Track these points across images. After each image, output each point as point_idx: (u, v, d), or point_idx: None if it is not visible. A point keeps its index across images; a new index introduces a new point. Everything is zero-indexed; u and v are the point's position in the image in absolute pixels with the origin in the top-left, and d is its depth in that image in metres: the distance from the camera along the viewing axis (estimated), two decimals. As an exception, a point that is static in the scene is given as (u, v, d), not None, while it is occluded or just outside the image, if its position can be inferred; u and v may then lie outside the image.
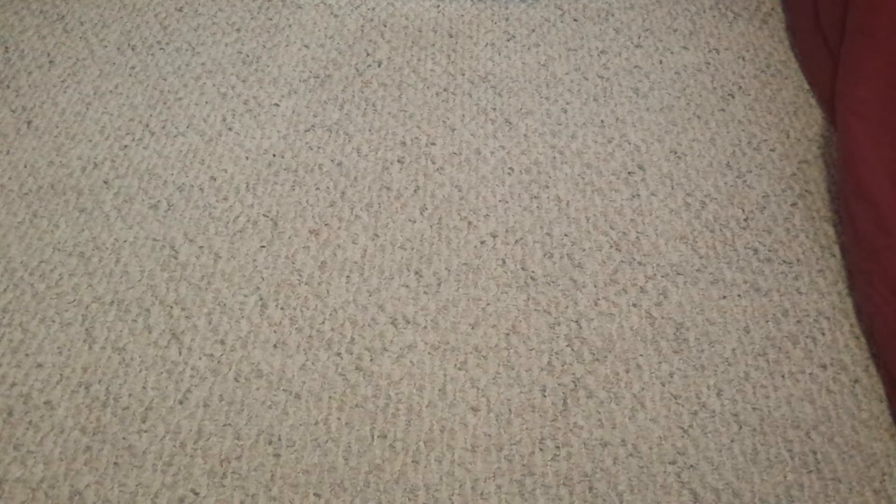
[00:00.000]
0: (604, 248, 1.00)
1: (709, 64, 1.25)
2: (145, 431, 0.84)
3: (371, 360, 0.89)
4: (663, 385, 0.87)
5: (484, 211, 1.05)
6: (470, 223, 1.03)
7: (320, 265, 0.99)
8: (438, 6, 1.37)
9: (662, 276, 0.97)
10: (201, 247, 1.01)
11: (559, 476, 0.80)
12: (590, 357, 0.89)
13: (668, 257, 0.99)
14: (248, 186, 1.08)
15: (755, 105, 1.18)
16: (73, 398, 0.86)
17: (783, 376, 0.87)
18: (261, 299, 0.95)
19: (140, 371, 0.89)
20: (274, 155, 1.12)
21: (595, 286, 0.96)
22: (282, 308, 0.94)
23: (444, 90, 1.22)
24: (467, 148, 1.13)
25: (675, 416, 0.84)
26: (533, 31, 1.32)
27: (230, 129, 1.16)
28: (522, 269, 0.98)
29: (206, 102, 1.20)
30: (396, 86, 1.23)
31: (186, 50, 1.29)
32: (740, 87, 1.21)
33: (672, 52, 1.27)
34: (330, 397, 0.86)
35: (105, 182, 1.09)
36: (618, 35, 1.31)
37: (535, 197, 1.06)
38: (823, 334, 0.91)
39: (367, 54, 1.28)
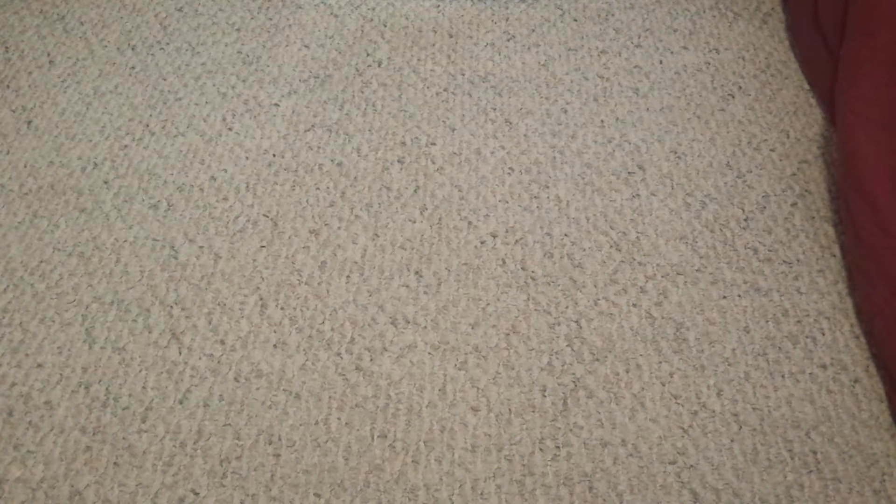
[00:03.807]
0: (604, 248, 1.00)
1: (709, 64, 1.25)
2: (145, 431, 0.84)
3: (371, 360, 0.89)
4: (663, 385, 0.87)
5: (484, 211, 1.05)
6: (470, 223, 1.03)
7: (320, 265, 0.99)
8: (438, 6, 1.37)
9: (662, 276, 0.97)
10: (201, 247, 1.01)
11: (559, 476, 0.80)
12: (590, 357, 0.89)
13: (668, 257, 0.99)
14: (248, 186, 1.08)
15: (755, 105, 1.18)
16: (73, 398, 0.86)
17: (783, 376, 0.87)
18: (261, 299, 0.95)
19: (140, 371, 0.89)
20: (274, 155, 1.12)
21: (595, 286, 0.96)
22: (282, 308, 0.94)
23: (444, 90, 1.22)
24: (467, 148, 1.13)
25: (675, 416, 0.84)
26: (533, 31, 1.32)
27: (230, 129, 1.16)
28: (522, 269, 0.98)
29: (206, 102, 1.20)
30: (396, 86, 1.23)
31: (186, 50, 1.29)
32: (740, 87, 1.21)
33: (672, 52, 1.27)
34: (330, 397, 0.86)
35: (105, 182, 1.09)
36: (618, 35, 1.31)
37: (535, 197, 1.06)
38: (823, 334, 0.91)
39: (367, 54, 1.28)
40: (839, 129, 1.01)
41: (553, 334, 0.91)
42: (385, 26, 1.34)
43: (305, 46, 1.30)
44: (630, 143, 1.13)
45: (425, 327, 0.92)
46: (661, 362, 0.89)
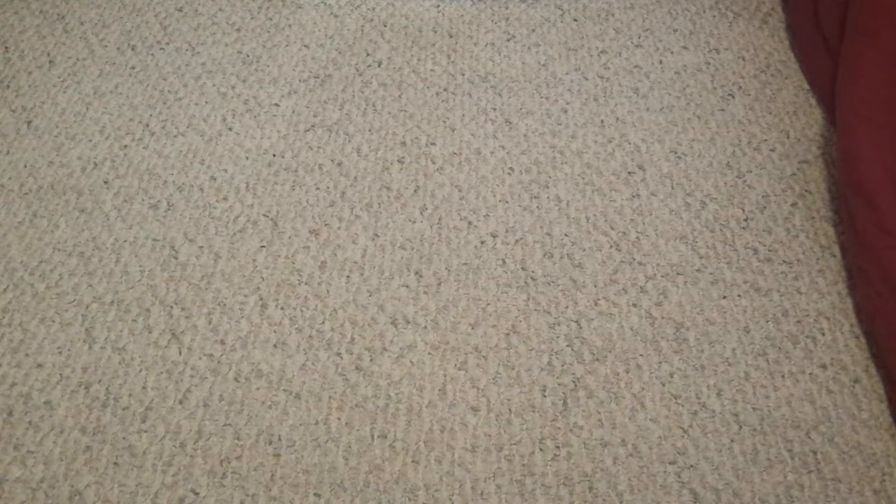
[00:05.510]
0: (604, 248, 1.00)
1: (709, 64, 1.25)
2: (145, 431, 0.84)
3: (371, 360, 0.89)
4: (663, 385, 0.87)
5: (484, 211, 1.05)
6: (470, 223, 1.03)
7: (320, 265, 0.99)
8: (438, 6, 1.37)
9: (662, 276, 0.97)
10: (201, 247, 1.01)
11: (559, 476, 0.80)
12: (590, 357, 0.89)
13: (668, 257, 0.99)
14: (248, 186, 1.08)
15: (755, 105, 1.18)
16: (73, 398, 0.86)
17: (783, 376, 0.87)
18: (261, 299, 0.95)
19: (140, 371, 0.89)
20: (274, 155, 1.12)
21: (595, 286, 0.96)
22: (282, 308, 0.94)
23: (444, 90, 1.22)
24: (467, 148, 1.13)
25: (675, 416, 0.84)
26: (533, 31, 1.32)
27: (230, 129, 1.16)
28: (522, 269, 0.98)
29: (206, 102, 1.20)
30: (396, 86, 1.23)
31: (186, 50, 1.29)
32: (740, 87, 1.21)
33: (672, 52, 1.27)
34: (330, 397, 0.86)
35: (105, 182, 1.09)
36: (618, 35, 1.31)
37: (535, 197, 1.06)
38: (823, 334, 0.91)
39: (367, 54, 1.28)
40: (839, 129, 1.01)
41: (553, 334, 0.91)
42: (385, 26, 1.34)
43: (305, 46, 1.30)
44: (630, 143, 1.13)
45: (425, 327, 0.92)
46: (661, 362, 0.89)
